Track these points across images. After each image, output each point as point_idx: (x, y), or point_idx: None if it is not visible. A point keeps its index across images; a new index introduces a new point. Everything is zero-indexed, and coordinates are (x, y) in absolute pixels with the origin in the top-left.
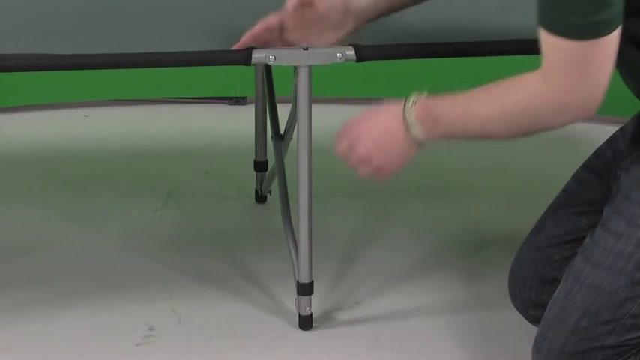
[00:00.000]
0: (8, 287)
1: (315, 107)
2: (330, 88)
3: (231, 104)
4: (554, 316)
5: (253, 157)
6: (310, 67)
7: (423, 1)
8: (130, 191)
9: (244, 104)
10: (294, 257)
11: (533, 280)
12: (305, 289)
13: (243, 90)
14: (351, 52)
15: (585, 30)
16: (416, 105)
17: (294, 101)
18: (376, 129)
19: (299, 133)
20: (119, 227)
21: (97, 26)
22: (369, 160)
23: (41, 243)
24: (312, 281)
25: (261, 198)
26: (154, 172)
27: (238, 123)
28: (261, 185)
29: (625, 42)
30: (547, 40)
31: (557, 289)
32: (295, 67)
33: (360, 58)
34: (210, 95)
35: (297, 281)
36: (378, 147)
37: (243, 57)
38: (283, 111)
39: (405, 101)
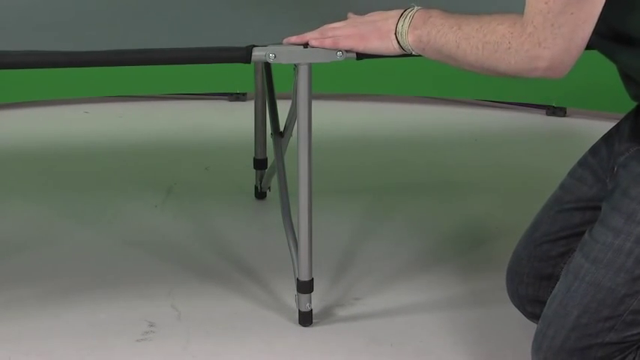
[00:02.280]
0: (8, 283)
1: (314, 104)
2: (330, 84)
3: (231, 100)
4: (554, 312)
5: (253, 154)
6: (310, 65)
7: None
8: (130, 187)
9: (244, 100)
10: (294, 255)
11: (530, 277)
12: (305, 287)
13: (243, 86)
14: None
15: None
16: (422, 9)
17: (294, 98)
18: (370, 15)
19: (299, 131)
20: (119, 223)
21: (95, 23)
22: (341, 28)
23: (41, 239)
24: (312, 279)
25: (260, 194)
26: (154, 168)
27: (238, 119)
28: (260, 182)
29: (616, 42)
30: None
31: (556, 286)
32: (295, 65)
33: (360, 56)
34: (210, 91)
35: (298, 279)
36: (359, 21)
37: (243, 55)
38: (283, 107)
39: (401, 17)
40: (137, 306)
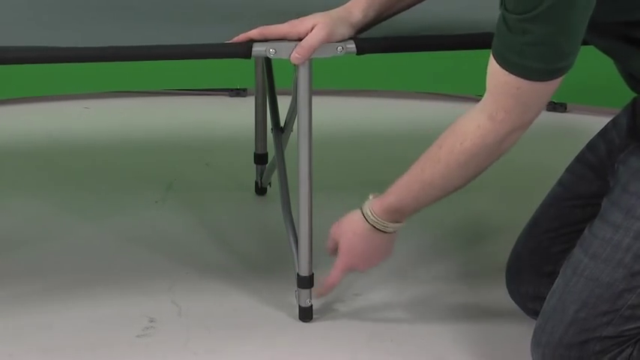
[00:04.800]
0: (8, 279)
1: (315, 100)
2: (331, 80)
3: (231, 96)
4: (552, 307)
5: (253, 149)
6: (311, 60)
7: (415, 4)
8: (130, 183)
9: (244, 96)
10: (294, 250)
11: (531, 275)
12: (305, 282)
13: (243, 81)
14: (351, 45)
15: (543, 74)
16: (374, 209)
17: (294, 94)
18: (355, 246)
19: (299, 126)
20: (119, 219)
21: (95, 18)
22: (363, 268)
23: (41, 235)
24: (313, 274)
25: (261, 190)
26: (155, 164)
27: (238, 115)
28: (261, 177)
29: (617, 39)
30: (501, 77)
31: (555, 281)
32: None
33: (360, 51)
34: (210, 87)
35: (298, 274)
36: (365, 260)
37: (244, 50)
38: (283, 103)
39: (363, 212)
40: (137, 302)
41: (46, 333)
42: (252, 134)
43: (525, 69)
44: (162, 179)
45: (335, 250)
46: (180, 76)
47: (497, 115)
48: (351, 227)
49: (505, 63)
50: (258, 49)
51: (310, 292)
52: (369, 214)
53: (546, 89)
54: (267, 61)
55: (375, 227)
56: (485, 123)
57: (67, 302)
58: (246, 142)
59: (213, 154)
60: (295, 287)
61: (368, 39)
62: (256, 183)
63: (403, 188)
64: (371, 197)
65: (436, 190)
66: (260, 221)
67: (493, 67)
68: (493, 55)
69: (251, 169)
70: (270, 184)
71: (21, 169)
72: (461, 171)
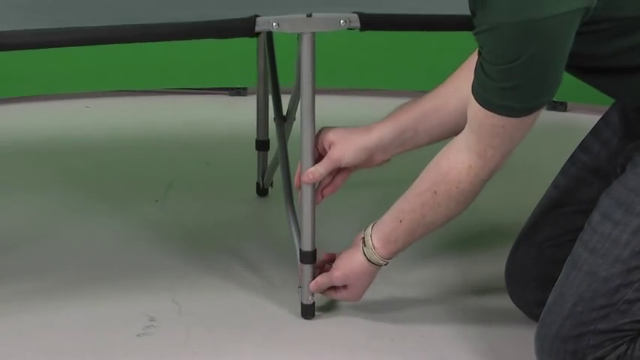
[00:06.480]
0: (8, 277)
1: (317, 98)
2: (332, 79)
3: (231, 95)
4: (552, 301)
5: (254, 148)
6: (314, 34)
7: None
8: (130, 182)
9: (245, 95)
10: (294, 233)
11: (538, 282)
12: (308, 258)
13: (243, 81)
14: (355, 20)
15: (526, 111)
16: (384, 256)
17: (297, 76)
18: (365, 288)
19: (302, 103)
20: (120, 218)
21: (96, 3)
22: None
23: (41, 233)
24: (315, 249)
25: (262, 191)
26: (155, 162)
27: (239, 113)
28: (262, 178)
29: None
30: (485, 118)
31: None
32: (299, 34)
33: (364, 25)
34: (210, 86)
35: (300, 250)
36: (358, 291)
37: (247, 25)
38: (284, 102)
39: (374, 261)
40: (138, 301)
41: (46, 332)
42: (253, 133)
43: (508, 109)
44: (163, 178)
45: (332, 288)
46: (181, 75)
47: (486, 153)
48: (366, 274)
49: (487, 105)
50: (261, 22)
51: (313, 267)
52: (380, 261)
53: (530, 120)
54: (271, 55)
55: (372, 262)
56: (476, 162)
57: (67, 301)
58: (246, 140)
59: (213, 153)
60: (297, 285)
61: (372, 14)
62: (257, 184)
63: (407, 234)
64: (370, 239)
65: (437, 226)
66: (261, 220)
67: (475, 108)
68: (475, 97)
69: (251, 168)
70: (272, 184)
71: (21, 167)
72: (461, 205)
